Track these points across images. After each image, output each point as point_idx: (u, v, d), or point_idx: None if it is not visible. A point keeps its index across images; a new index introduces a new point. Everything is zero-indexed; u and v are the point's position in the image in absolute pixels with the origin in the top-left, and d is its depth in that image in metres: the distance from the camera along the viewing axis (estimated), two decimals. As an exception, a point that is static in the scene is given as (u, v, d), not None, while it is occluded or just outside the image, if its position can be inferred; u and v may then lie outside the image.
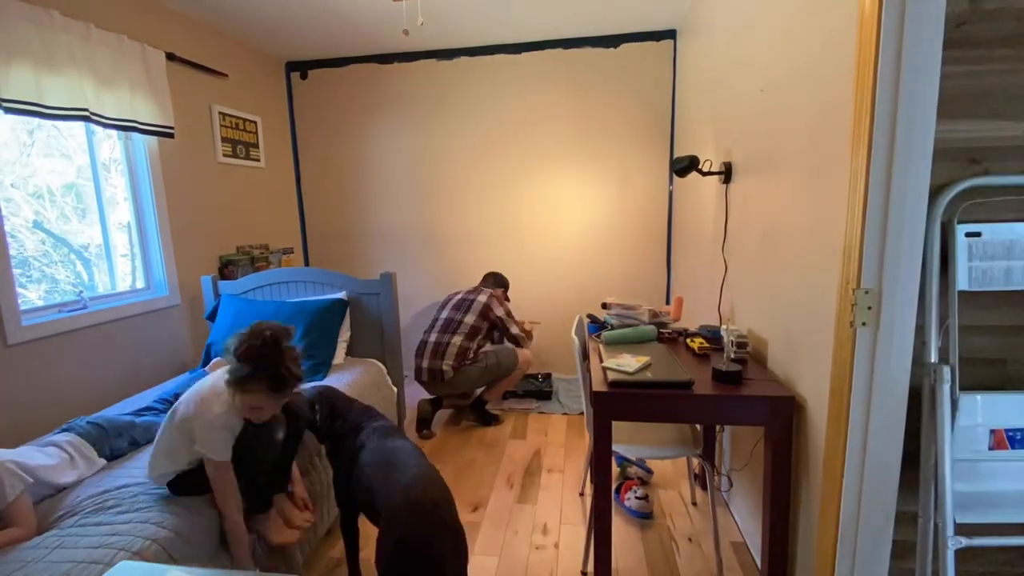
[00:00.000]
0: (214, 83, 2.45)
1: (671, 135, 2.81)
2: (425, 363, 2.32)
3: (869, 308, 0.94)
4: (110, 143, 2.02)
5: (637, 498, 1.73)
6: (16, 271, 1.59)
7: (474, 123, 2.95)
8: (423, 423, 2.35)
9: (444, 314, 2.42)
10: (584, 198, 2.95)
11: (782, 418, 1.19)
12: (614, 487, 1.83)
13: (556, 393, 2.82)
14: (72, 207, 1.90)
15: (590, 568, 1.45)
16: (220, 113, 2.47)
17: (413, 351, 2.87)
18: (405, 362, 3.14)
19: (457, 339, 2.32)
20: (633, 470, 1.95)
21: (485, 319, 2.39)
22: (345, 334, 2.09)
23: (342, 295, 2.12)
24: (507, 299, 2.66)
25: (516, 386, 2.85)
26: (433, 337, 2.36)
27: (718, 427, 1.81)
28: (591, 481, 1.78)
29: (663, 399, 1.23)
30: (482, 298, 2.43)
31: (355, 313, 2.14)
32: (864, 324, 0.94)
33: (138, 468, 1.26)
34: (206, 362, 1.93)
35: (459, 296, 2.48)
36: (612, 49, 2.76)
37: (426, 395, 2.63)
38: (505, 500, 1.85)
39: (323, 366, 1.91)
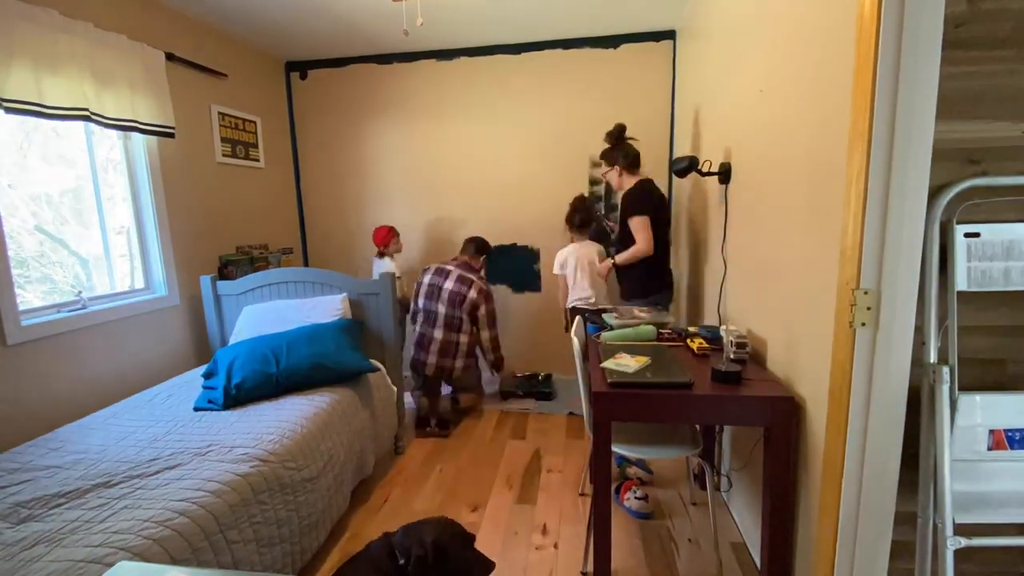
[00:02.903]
0: (214, 83, 2.45)
1: (671, 135, 2.81)
2: (432, 359, 2.36)
3: (868, 308, 0.94)
4: (109, 143, 2.02)
5: (637, 498, 1.73)
6: (15, 271, 1.59)
7: (474, 123, 2.95)
8: (425, 421, 2.40)
9: (442, 309, 2.37)
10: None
11: (781, 418, 1.19)
12: (614, 487, 1.83)
13: (556, 393, 2.83)
14: (70, 208, 1.91)
15: (590, 568, 1.46)
16: (220, 113, 2.47)
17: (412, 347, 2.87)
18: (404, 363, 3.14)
19: (464, 337, 2.39)
20: (633, 470, 1.95)
21: (472, 315, 2.40)
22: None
23: (342, 296, 2.12)
24: (484, 263, 2.65)
25: (517, 386, 2.85)
26: (439, 334, 2.36)
27: (717, 427, 1.81)
28: (591, 481, 1.78)
29: (663, 399, 1.23)
30: (471, 294, 2.36)
31: (354, 313, 2.14)
32: (863, 324, 0.94)
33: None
34: (211, 371, 1.86)
35: (449, 287, 2.37)
36: (612, 49, 2.76)
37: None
38: (505, 500, 1.85)
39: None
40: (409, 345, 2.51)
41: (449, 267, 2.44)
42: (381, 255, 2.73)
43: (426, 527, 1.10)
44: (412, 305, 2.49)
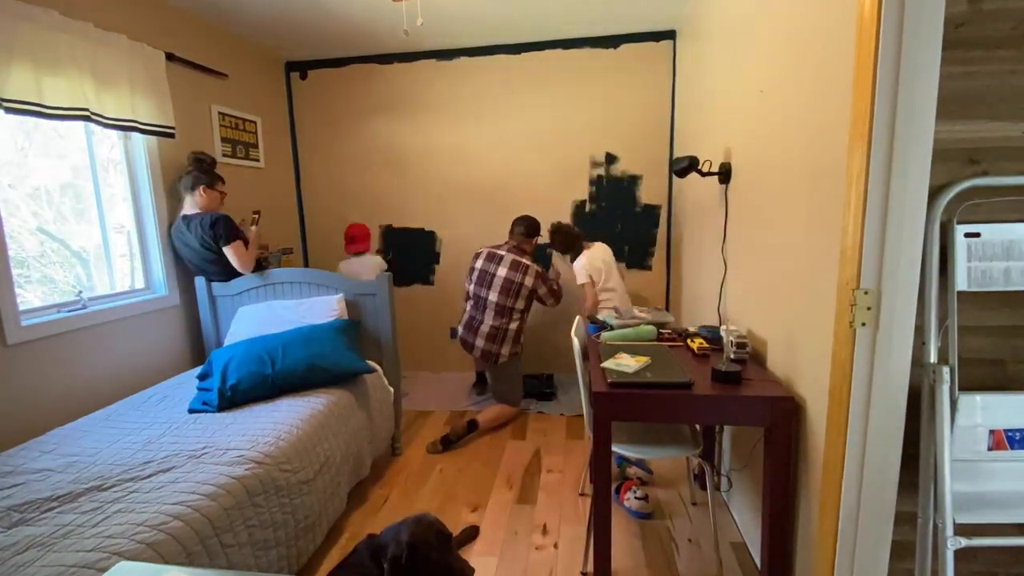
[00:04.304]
0: (214, 83, 2.45)
1: (671, 135, 2.81)
2: (480, 343, 2.39)
3: (868, 308, 0.93)
4: (109, 143, 2.01)
5: (637, 498, 1.73)
6: (15, 271, 1.58)
7: (474, 123, 2.95)
8: (447, 442, 2.22)
9: (493, 296, 2.37)
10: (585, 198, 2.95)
11: (781, 418, 1.19)
12: (614, 487, 1.82)
13: (557, 393, 2.82)
14: (71, 208, 1.90)
15: (590, 568, 1.45)
16: (220, 113, 2.47)
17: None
18: (408, 358, 3.13)
19: (513, 324, 2.40)
20: (633, 470, 1.95)
21: (530, 299, 2.43)
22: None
23: (338, 297, 2.11)
24: (536, 245, 2.58)
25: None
26: (488, 320, 2.38)
27: (717, 427, 1.81)
28: (591, 481, 1.77)
29: (663, 399, 1.23)
30: (528, 281, 2.36)
31: (352, 314, 2.14)
32: (864, 324, 0.94)
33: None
34: (206, 372, 1.82)
35: (503, 274, 2.36)
36: (612, 49, 2.77)
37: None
38: (505, 500, 1.84)
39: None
40: (460, 325, 2.53)
41: (501, 252, 2.42)
42: (360, 252, 2.67)
43: (404, 526, 1.06)
44: (466, 287, 2.52)
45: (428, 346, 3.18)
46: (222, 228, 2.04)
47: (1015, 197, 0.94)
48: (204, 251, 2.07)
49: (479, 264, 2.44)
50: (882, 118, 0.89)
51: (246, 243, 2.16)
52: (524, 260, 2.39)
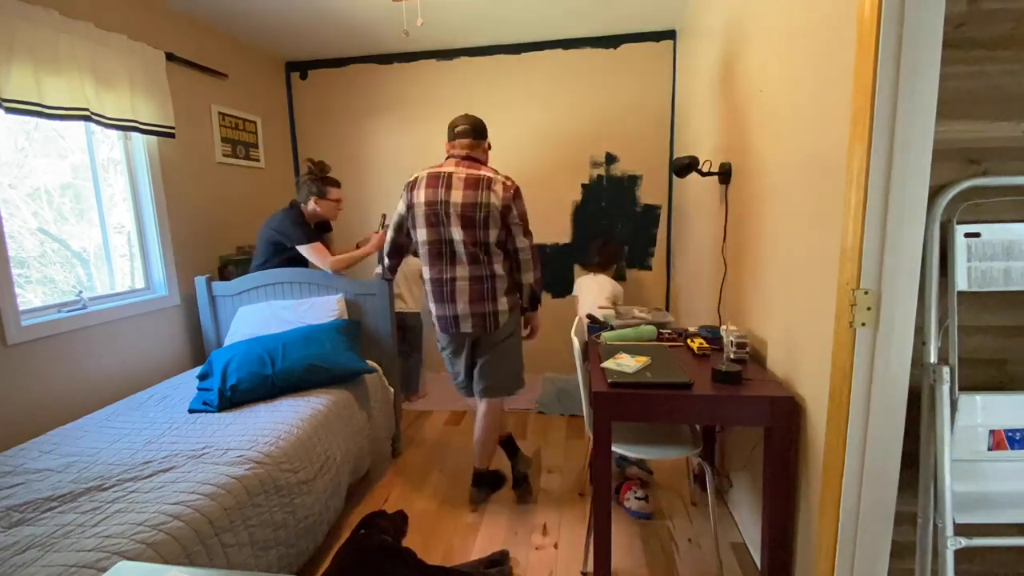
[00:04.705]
0: (214, 83, 2.45)
1: (671, 135, 2.81)
2: (462, 307, 1.59)
3: (868, 308, 0.93)
4: (109, 143, 2.01)
5: (637, 498, 1.73)
6: (15, 271, 1.58)
7: (473, 124, 2.94)
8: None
9: (458, 235, 1.56)
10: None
11: (782, 418, 1.19)
12: (614, 487, 1.82)
13: (556, 394, 2.81)
14: (71, 208, 1.90)
15: (590, 568, 1.45)
16: (220, 113, 2.47)
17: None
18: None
19: (499, 266, 1.60)
20: (633, 470, 1.95)
21: (505, 222, 1.58)
22: (343, 335, 2.08)
23: (338, 297, 2.11)
24: (488, 151, 1.77)
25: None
26: (462, 271, 1.58)
27: (718, 427, 1.81)
28: (591, 481, 1.77)
29: (663, 399, 1.23)
30: (495, 199, 1.54)
31: (351, 314, 2.14)
32: (864, 324, 0.94)
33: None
34: (206, 373, 1.81)
35: (459, 200, 1.55)
36: (612, 49, 2.77)
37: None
38: (505, 500, 1.84)
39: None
40: (429, 302, 1.69)
41: (447, 169, 1.59)
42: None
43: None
44: (404, 239, 1.70)
45: (429, 345, 3.18)
46: (291, 229, 2.05)
47: (1015, 197, 0.94)
48: (267, 243, 2.11)
49: (420, 197, 1.58)
50: (882, 118, 0.89)
51: (328, 244, 2.19)
52: (483, 172, 1.58)
